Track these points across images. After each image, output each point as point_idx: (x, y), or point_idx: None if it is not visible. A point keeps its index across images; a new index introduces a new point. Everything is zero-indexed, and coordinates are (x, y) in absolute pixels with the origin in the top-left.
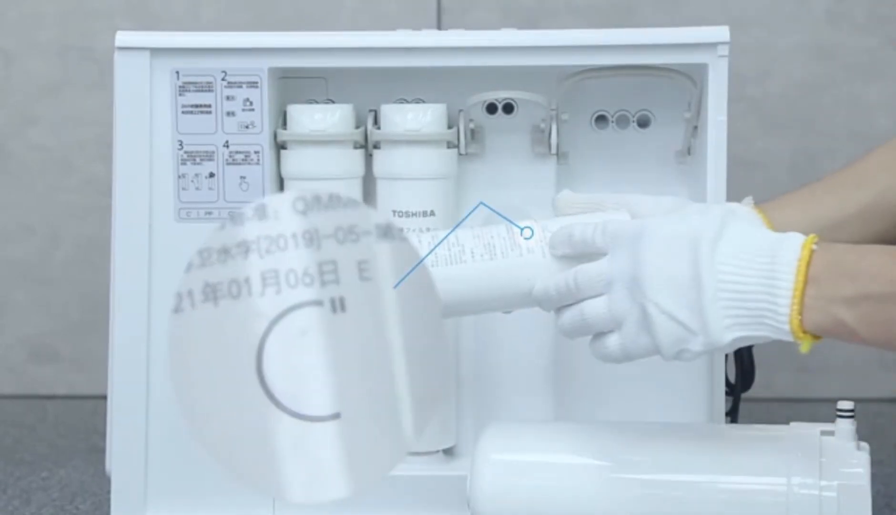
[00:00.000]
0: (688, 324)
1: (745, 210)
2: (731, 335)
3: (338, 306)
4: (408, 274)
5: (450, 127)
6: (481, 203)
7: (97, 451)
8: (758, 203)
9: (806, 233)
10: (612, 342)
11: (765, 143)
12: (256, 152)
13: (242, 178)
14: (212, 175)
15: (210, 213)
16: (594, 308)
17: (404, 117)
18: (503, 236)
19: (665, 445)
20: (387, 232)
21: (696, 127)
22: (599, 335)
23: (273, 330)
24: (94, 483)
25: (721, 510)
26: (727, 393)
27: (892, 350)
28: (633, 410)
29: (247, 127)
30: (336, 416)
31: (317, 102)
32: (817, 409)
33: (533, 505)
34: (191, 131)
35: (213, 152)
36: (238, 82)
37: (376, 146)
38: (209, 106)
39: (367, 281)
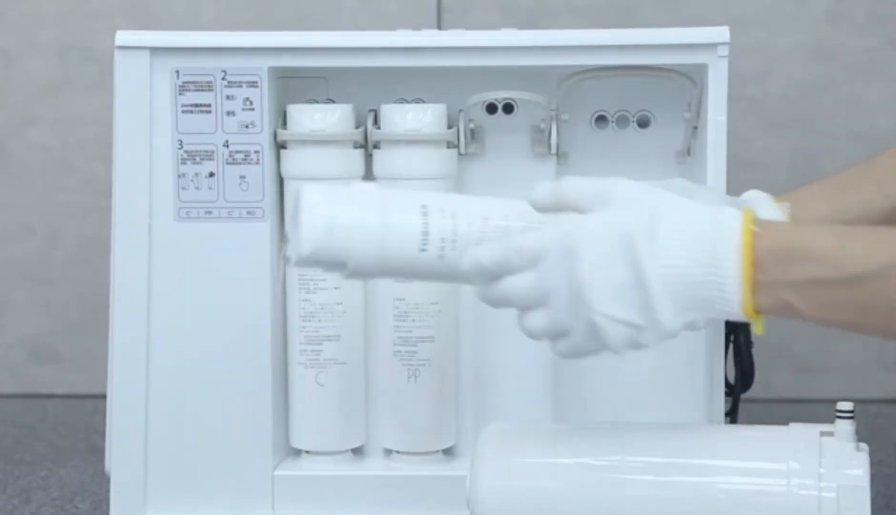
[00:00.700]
0: (638, 323)
1: (681, 184)
2: (680, 321)
3: None
4: None
5: (450, 127)
6: None
7: (97, 451)
8: (779, 194)
9: None
10: (560, 345)
11: (765, 143)
12: (256, 152)
13: (242, 177)
14: (212, 175)
15: (210, 212)
16: (533, 321)
17: (404, 117)
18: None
19: (665, 445)
20: None
21: (695, 127)
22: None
23: None
24: (93, 482)
25: (721, 510)
26: (727, 394)
27: (840, 329)
28: (632, 410)
29: (247, 127)
30: None
31: (317, 102)
32: (817, 410)
33: (532, 506)
34: (191, 131)
35: (213, 152)
36: (238, 82)
37: (376, 146)
38: (209, 105)
39: None
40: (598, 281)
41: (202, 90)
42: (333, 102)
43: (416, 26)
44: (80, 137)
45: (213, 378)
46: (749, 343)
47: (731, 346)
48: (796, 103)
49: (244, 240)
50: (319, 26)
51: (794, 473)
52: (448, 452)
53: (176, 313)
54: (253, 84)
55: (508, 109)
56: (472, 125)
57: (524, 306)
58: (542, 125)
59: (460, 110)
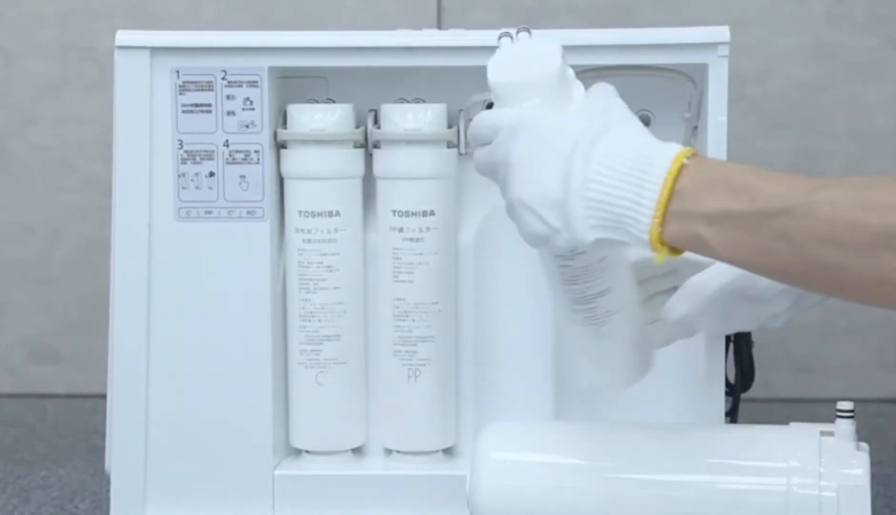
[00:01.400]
0: (550, 221)
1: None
2: (593, 235)
3: None
4: None
5: (450, 127)
6: None
7: (97, 450)
8: None
9: None
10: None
11: (765, 143)
12: (256, 152)
13: (242, 177)
14: (212, 174)
15: (210, 212)
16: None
17: (404, 117)
18: None
19: (665, 445)
20: None
21: (696, 127)
22: None
23: None
24: (93, 482)
25: (720, 510)
26: (727, 393)
27: (742, 267)
28: (632, 410)
29: (247, 126)
30: None
31: (317, 102)
32: (817, 409)
33: (532, 505)
34: (191, 131)
35: (213, 152)
36: (238, 82)
37: (376, 146)
38: (209, 105)
39: None
40: (527, 169)
41: (202, 90)
42: (333, 101)
43: (416, 26)
44: (81, 137)
45: (213, 378)
46: (749, 343)
47: (731, 346)
48: (796, 103)
49: (244, 240)
50: (319, 26)
51: (794, 472)
52: (448, 452)
53: (176, 312)
54: (253, 84)
55: None
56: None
57: (491, 178)
58: None
59: (460, 110)
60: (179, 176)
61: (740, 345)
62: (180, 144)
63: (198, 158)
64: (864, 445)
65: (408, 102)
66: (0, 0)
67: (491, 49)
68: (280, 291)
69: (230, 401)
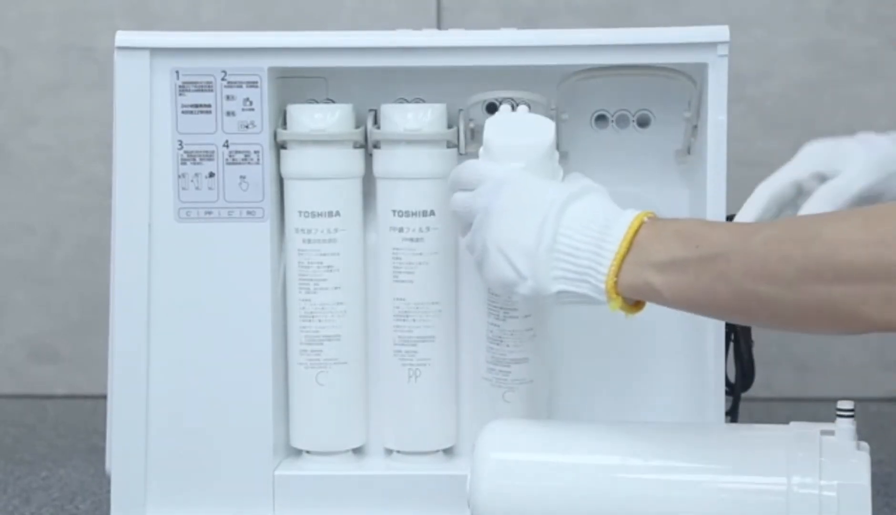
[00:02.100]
0: (520, 268)
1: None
2: (556, 286)
3: None
4: None
5: (450, 126)
6: None
7: (97, 451)
8: None
9: None
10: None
11: (765, 143)
12: (256, 152)
13: (242, 177)
14: (212, 175)
15: (210, 213)
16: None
17: (404, 117)
18: None
19: (665, 444)
20: None
21: (695, 126)
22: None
23: None
24: (93, 482)
25: (721, 509)
26: (727, 393)
27: (694, 313)
28: (632, 409)
29: (247, 127)
30: None
31: (317, 102)
32: (817, 409)
33: (532, 505)
34: (191, 131)
35: (213, 152)
36: (238, 82)
37: (376, 146)
38: (209, 106)
39: None
40: (506, 219)
41: (202, 90)
42: (333, 101)
43: (416, 26)
44: (81, 137)
45: (214, 378)
46: (749, 342)
47: (731, 345)
48: (796, 103)
49: (244, 240)
50: (319, 26)
51: (794, 472)
52: (448, 452)
53: (176, 313)
54: (253, 84)
55: None
56: (471, 125)
57: (462, 219)
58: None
59: (460, 110)
60: (179, 177)
61: (741, 344)
62: (180, 144)
63: (198, 159)
64: (865, 444)
65: (408, 102)
66: (0, 0)
67: (491, 49)
68: (280, 291)
69: (230, 401)
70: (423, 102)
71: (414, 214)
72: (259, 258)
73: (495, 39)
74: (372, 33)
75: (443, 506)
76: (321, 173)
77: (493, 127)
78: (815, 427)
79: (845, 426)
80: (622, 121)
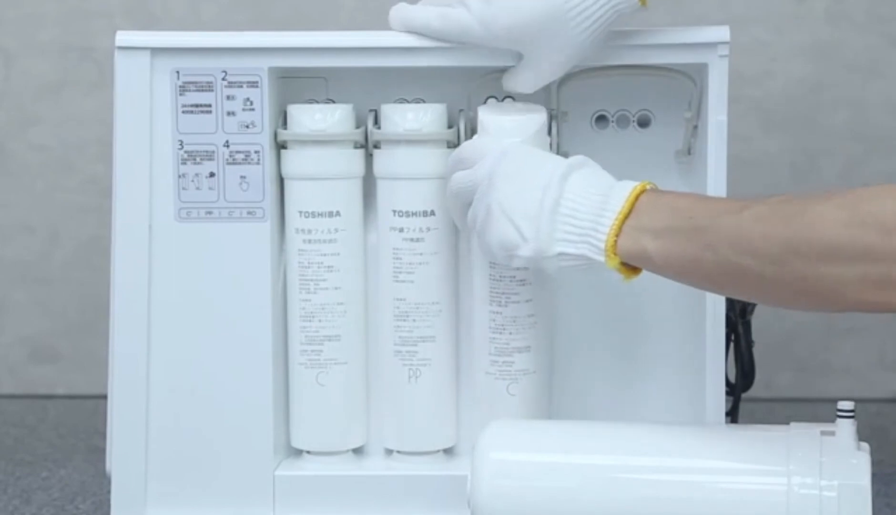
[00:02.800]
0: (523, 230)
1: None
2: (558, 247)
3: None
4: None
5: (450, 127)
6: None
7: (97, 451)
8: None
9: None
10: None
11: (765, 142)
12: (257, 152)
13: (243, 178)
14: (212, 175)
15: (210, 213)
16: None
17: (404, 117)
18: None
19: (665, 445)
20: None
21: (696, 127)
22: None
23: None
24: (94, 482)
25: (721, 510)
26: (727, 393)
27: (683, 282)
28: (632, 410)
29: (247, 127)
30: None
31: (317, 102)
32: (818, 409)
33: (533, 505)
34: (191, 131)
35: (214, 152)
36: (238, 82)
37: (376, 146)
38: (209, 106)
39: None
40: (510, 184)
41: (202, 90)
42: (333, 102)
43: None
44: (81, 138)
45: (214, 378)
46: (749, 343)
47: (731, 345)
48: (796, 103)
49: (245, 240)
50: (319, 25)
51: (794, 472)
52: (449, 452)
53: (176, 313)
54: (253, 84)
55: None
56: (472, 125)
57: (463, 199)
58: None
59: (460, 110)
60: (180, 177)
61: (741, 344)
62: (180, 144)
63: (198, 159)
64: (865, 445)
65: (408, 102)
66: (0, 0)
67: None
68: (280, 291)
69: (231, 402)
70: (424, 102)
71: (414, 214)
72: (259, 258)
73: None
74: (372, 33)
75: (443, 507)
76: (321, 173)
77: (487, 109)
78: (815, 428)
79: (846, 427)
80: (622, 121)
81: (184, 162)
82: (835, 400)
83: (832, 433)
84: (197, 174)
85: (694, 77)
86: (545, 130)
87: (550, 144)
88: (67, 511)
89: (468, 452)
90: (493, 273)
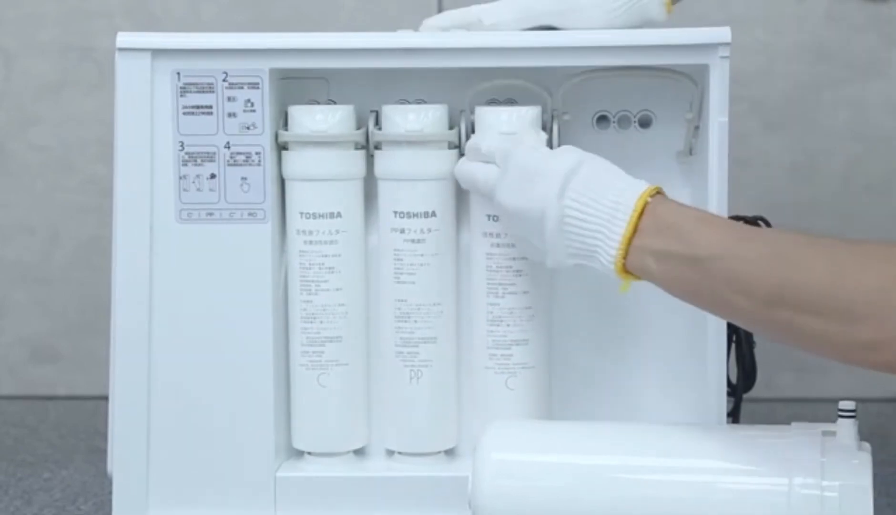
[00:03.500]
0: (537, 245)
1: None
2: (571, 261)
3: None
4: None
5: (451, 128)
6: None
7: (98, 452)
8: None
9: None
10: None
11: (765, 143)
12: (258, 153)
13: (244, 179)
14: (213, 176)
15: (211, 214)
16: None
17: (405, 118)
18: None
19: (666, 445)
20: None
21: (697, 127)
22: None
23: None
24: (95, 483)
25: (722, 510)
26: (729, 394)
27: (683, 300)
28: (633, 410)
29: (248, 128)
30: None
31: (318, 103)
32: (819, 409)
33: (534, 505)
34: (192, 132)
35: (215, 153)
36: (239, 83)
37: (377, 147)
38: (210, 107)
39: None
40: (510, 202)
41: (203, 92)
42: (335, 103)
43: (417, 27)
44: (81, 138)
45: (215, 379)
46: (751, 343)
47: (733, 346)
48: (796, 103)
49: (246, 242)
50: (319, 26)
51: (796, 473)
52: (450, 453)
53: (177, 314)
54: (254, 85)
55: None
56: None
57: (474, 188)
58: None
59: (461, 111)
60: (181, 178)
61: (742, 345)
62: (181, 145)
63: (199, 160)
64: (867, 445)
65: (409, 103)
66: (0, 0)
67: (492, 50)
68: (282, 292)
69: (232, 403)
70: (425, 103)
71: (415, 215)
72: (260, 260)
73: (497, 41)
74: (374, 34)
75: (444, 507)
76: (322, 175)
77: (482, 110)
78: (816, 428)
79: (847, 427)
80: (624, 121)
81: (185, 163)
82: (836, 400)
83: (833, 434)
84: (198, 176)
85: (695, 78)
86: (538, 122)
87: (549, 142)
88: (69, 512)
89: (469, 453)
90: (490, 264)
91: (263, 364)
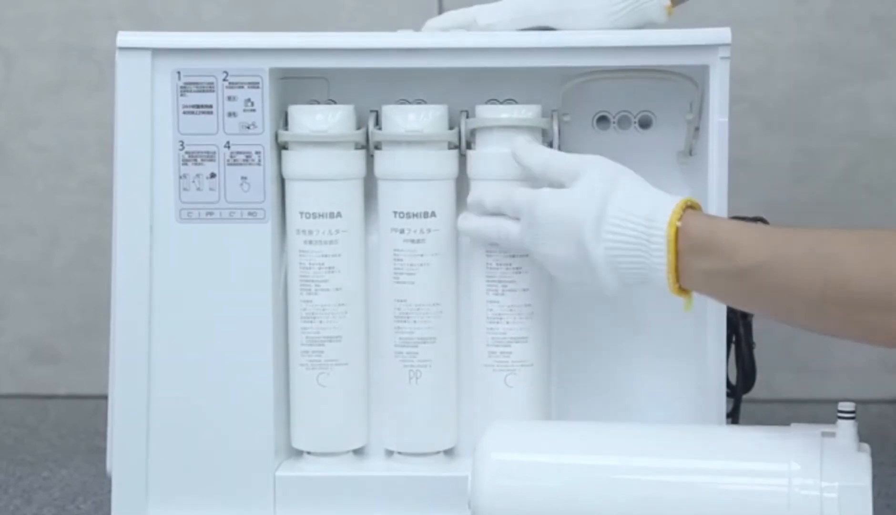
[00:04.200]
0: (588, 281)
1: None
2: (625, 288)
3: None
4: None
5: (451, 128)
6: None
7: (98, 451)
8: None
9: None
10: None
11: (765, 143)
12: (258, 153)
13: (244, 178)
14: (213, 176)
15: (211, 213)
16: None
17: (405, 118)
18: None
19: (666, 446)
20: None
21: (697, 128)
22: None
23: None
24: (95, 483)
25: (722, 511)
26: (728, 395)
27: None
28: (633, 410)
29: (248, 127)
30: None
31: (318, 103)
32: (818, 410)
33: (534, 505)
34: (192, 132)
35: (215, 153)
36: (239, 83)
37: (378, 147)
38: (210, 106)
39: None
40: (547, 256)
41: (203, 91)
42: (335, 102)
43: (417, 27)
44: (81, 138)
45: (215, 379)
46: (750, 344)
47: (732, 347)
48: (796, 103)
49: (246, 241)
50: (319, 26)
51: (795, 473)
52: (449, 453)
53: (177, 314)
54: (254, 85)
55: None
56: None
57: (491, 240)
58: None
59: (461, 111)
60: (181, 177)
61: (741, 346)
62: (181, 145)
63: (199, 160)
64: (866, 446)
65: (409, 103)
66: (0, 0)
67: (493, 50)
68: (281, 292)
69: (231, 402)
70: (425, 103)
71: (415, 215)
72: (260, 259)
73: (497, 41)
74: (374, 34)
75: (444, 507)
76: (322, 174)
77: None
78: (816, 429)
79: (846, 428)
80: (624, 122)
81: (185, 163)
82: (835, 401)
83: (833, 435)
84: (198, 175)
85: (695, 79)
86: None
87: (551, 143)
88: (68, 512)
89: (469, 453)
90: (489, 262)
91: (263, 364)
